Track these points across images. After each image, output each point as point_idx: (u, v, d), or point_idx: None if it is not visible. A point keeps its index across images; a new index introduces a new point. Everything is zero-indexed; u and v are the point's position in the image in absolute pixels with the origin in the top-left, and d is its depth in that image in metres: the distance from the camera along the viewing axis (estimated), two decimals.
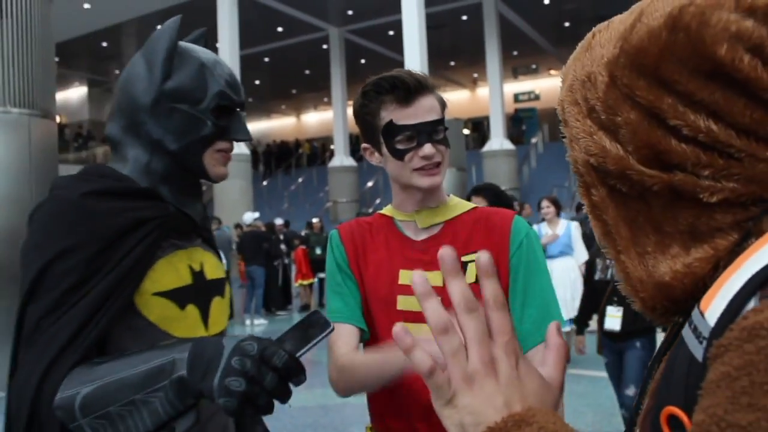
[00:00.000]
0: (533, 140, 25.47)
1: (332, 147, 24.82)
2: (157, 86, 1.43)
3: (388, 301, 1.59)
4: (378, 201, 23.48)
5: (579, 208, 12.10)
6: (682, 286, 0.67)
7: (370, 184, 24.22)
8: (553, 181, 20.40)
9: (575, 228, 7.34)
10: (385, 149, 1.60)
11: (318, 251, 13.39)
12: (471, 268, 1.58)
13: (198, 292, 1.49)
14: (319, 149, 31.95)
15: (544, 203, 7.34)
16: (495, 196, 4.06)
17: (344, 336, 1.58)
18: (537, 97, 30.81)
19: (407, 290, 1.58)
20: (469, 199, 3.95)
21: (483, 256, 0.66)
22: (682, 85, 0.66)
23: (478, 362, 0.61)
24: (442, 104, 1.61)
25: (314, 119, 36.88)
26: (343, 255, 1.67)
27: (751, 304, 0.54)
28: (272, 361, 1.10)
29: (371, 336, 1.63)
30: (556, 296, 1.64)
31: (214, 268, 1.59)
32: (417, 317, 1.56)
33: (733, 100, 0.64)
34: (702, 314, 0.60)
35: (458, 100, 31.82)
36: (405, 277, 1.60)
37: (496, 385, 0.60)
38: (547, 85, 30.97)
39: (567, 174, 21.48)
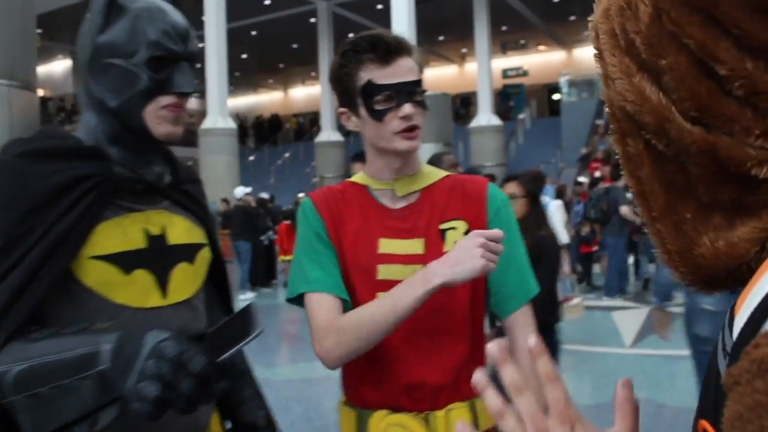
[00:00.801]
0: (521, 116, 25.45)
1: (320, 122, 24.72)
2: (93, 42, 1.38)
3: (368, 271, 1.57)
4: None
5: (560, 192, 11.87)
6: (724, 266, 0.59)
7: None
8: (540, 157, 20.41)
9: (556, 208, 7.29)
10: (363, 111, 1.55)
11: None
12: (450, 235, 1.59)
13: (154, 257, 1.41)
14: (306, 124, 31.82)
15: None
16: (531, 181, 4.10)
17: (326, 307, 1.53)
18: (525, 73, 30.73)
19: (387, 259, 1.57)
20: (502, 186, 3.93)
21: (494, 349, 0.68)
22: (743, 26, 0.55)
23: None
24: (420, 67, 1.59)
25: (302, 94, 36.65)
26: (320, 223, 1.63)
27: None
28: (189, 367, 1.04)
29: (352, 306, 1.58)
30: (529, 260, 1.68)
31: (183, 232, 1.50)
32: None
33: None
34: (732, 319, 0.53)
35: (446, 75, 31.69)
36: (385, 246, 1.58)
37: None
38: (535, 61, 30.87)
39: (554, 150, 21.53)
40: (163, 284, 1.42)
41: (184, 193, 1.56)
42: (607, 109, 0.69)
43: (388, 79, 1.52)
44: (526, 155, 21.90)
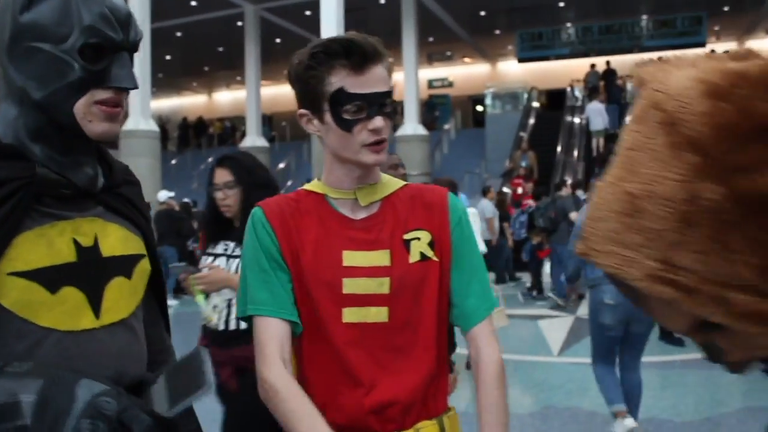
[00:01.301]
0: (446, 126, 25.68)
1: (243, 127, 24.37)
2: (15, 20, 1.18)
3: (333, 285, 1.49)
4: (290, 183, 23.19)
5: (485, 191, 12.11)
6: None
7: (282, 165, 23.94)
8: (464, 167, 20.64)
9: (471, 215, 7.36)
10: (329, 118, 1.48)
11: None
12: (414, 246, 1.54)
13: (84, 272, 1.23)
14: (230, 129, 31.32)
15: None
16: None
17: (271, 334, 1.47)
18: (451, 84, 31.06)
19: (353, 272, 1.50)
20: None
21: None
22: None
23: None
24: (390, 74, 1.52)
25: (226, 98, 36.04)
26: (271, 238, 1.53)
27: None
28: (132, 427, 0.94)
29: (316, 326, 1.50)
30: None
31: (118, 242, 1.32)
32: (364, 300, 1.49)
33: None
34: None
35: None
36: (349, 258, 1.51)
37: None
38: (461, 73, 31.25)
39: (479, 161, 21.80)
40: (95, 303, 1.24)
41: (120, 197, 1.38)
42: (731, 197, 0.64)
43: (361, 88, 1.44)
44: (451, 165, 22.09)
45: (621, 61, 24.24)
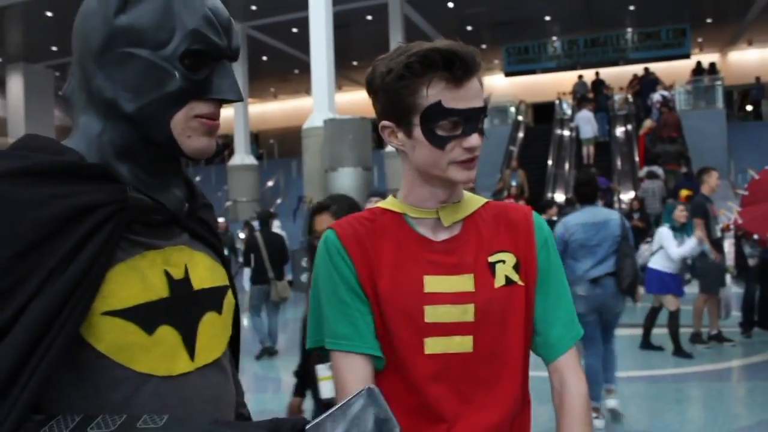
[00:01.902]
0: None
1: (233, 145, 24.24)
2: (108, 23, 1.05)
3: (413, 314, 1.36)
4: (279, 201, 23.07)
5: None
6: None
7: (270, 183, 23.80)
8: None
9: None
10: (418, 133, 1.35)
11: (225, 252, 12.93)
12: (499, 269, 1.42)
13: (178, 308, 1.09)
14: (221, 146, 31.16)
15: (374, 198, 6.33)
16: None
17: (357, 376, 1.36)
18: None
19: (435, 299, 1.37)
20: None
21: None
22: None
23: None
24: (483, 88, 1.40)
25: None
26: (349, 266, 1.40)
27: None
28: None
29: (393, 358, 1.38)
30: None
31: (207, 272, 1.18)
32: (448, 329, 1.37)
33: None
34: None
35: (361, 100, 31.71)
36: (431, 284, 1.38)
37: None
38: None
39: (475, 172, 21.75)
40: (190, 343, 1.10)
41: (201, 222, 1.24)
42: None
43: (458, 103, 1.31)
44: None
45: (607, 73, 24.38)
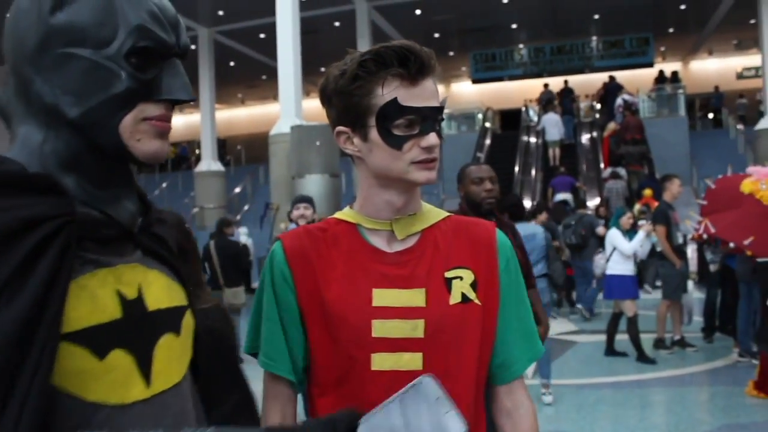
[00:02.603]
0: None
1: (198, 151, 24.05)
2: (43, 22, 0.97)
3: (360, 328, 1.32)
4: (246, 207, 22.92)
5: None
6: None
7: (237, 189, 23.64)
8: (422, 188, 20.38)
9: None
10: (374, 134, 1.31)
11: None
12: (456, 285, 1.37)
13: (132, 331, 1.00)
14: (189, 153, 30.88)
15: (302, 206, 6.16)
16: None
17: (275, 390, 1.41)
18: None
19: (384, 313, 1.32)
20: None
21: None
22: None
23: None
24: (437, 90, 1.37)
25: (180, 122, 35.53)
26: (290, 283, 1.38)
27: None
28: None
29: (339, 373, 1.34)
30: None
31: (163, 292, 1.09)
32: (397, 345, 1.31)
33: None
34: None
35: None
36: (380, 297, 1.33)
37: None
38: None
39: (437, 181, 21.82)
40: (145, 367, 1.02)
41: (156, 237, 1.14)
42: None
43: (415, 101, 1.29)
44: None
45: (573, 81, 24.66)
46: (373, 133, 1.32)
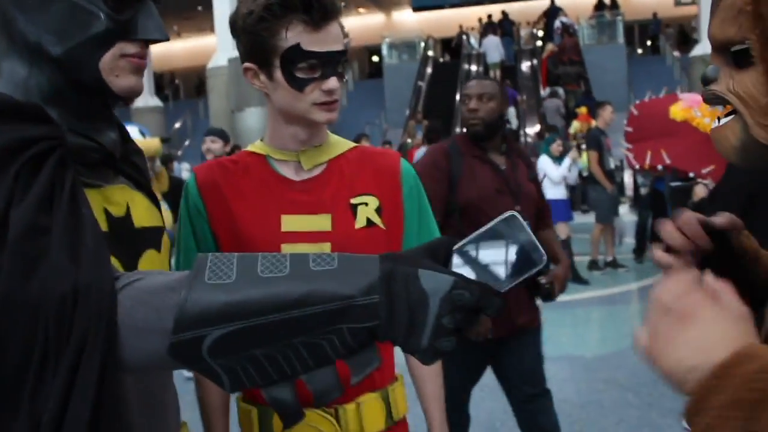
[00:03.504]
0: (344, 78, 25.58)
1: None
2: None
3: (271, 252, 1.42)
4: (187, 142, 22.57)
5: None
6: None
7: (177, 125, 23.20)
8: (364, 119, 20.60)
9: None
10: (279, 75, 1.39)
11: None
12: (361, 211, 1.47)
13: (118, 243, 1.09)
14: None
15: (209, 139, 5.95)
16: None
17: None
18: (346, 35, 30.79)
19: (292, 237, 1.43)
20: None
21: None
22: None
23: None
24: (344, 34, 1.45)
25: None
26: (202, 213, 1.47)
27: None
28: (486, 312, 0.82)
29: None
30: None
31: (145, 213, 1.20)
32: None
33: None
34: None
35: None
36: (288, 223, 1.44)
37: None
38: (355, 24, 30.93)
39: (378, 111, 21.80)
40: None
41: (135, 166, 1.24)
42: (764, 67, 0.72)
43: (317, 46, 1.36)
44: (351, 117, 21.95)
45: (514, 8, 24.64)
46: (278, 74, 1.39)
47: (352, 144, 1.58)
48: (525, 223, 0.84)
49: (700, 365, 0.64)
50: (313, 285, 0.78)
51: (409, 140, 15.72)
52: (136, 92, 1.12)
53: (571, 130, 14.08)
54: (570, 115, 15.85)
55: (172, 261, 1.46)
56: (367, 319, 0.79)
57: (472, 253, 0.84)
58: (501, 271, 0.83)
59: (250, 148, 1.55)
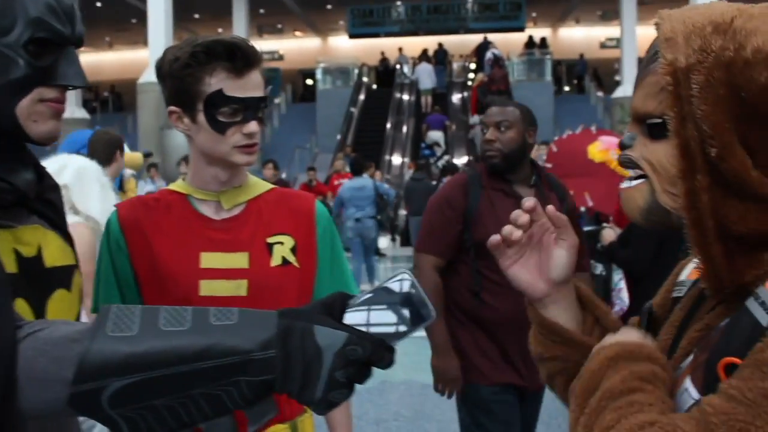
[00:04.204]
0: (276, 100, 25.47)
1: None
2: None
3: (189, 288, 1.48)
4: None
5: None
6: (757, 282, 0.79)
7: None
8: (295, 142, 20.58)
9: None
10: (201, 118, 1.47)
11: None
12: (277, 250, 1.55)
13: (27, 284, 1.13)
14: None
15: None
16: None
17: None
18: (281, 58, 30.79)
19: (210, 274, 1.50)
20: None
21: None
22: None
23: None
24: (265, 81, 1.54)
25: None
26: (123, 251, 1.53)
27: None
28: (377, 365, 0.87)
29: None
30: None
31: (57, 252, 1.23)
32: (222, 303, 1.41)
33: None
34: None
35: None
36: (207, 260, 1.51)
37: None
38: (291, 46, 31.02)
39: (309, 135, 21.81)
40: (39, 317, 1.14)
41: (49, 204, 1.27)
42: (676, 141, 0.79)
43: (239, 92, 1.45)
44: (282, 140, 21.96)
45: (448, 41, 25.16)
46: (201, 117, 1.47)
47: (270, 185, 1.67)
48: (416, 281, 0.91)
49: None
50: (213, 339, 0.82)
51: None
52: (54, 137, 1.16)
53: None
54: None
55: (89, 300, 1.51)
56: (264, 373, 0.82)
57: (366, 309, 0.90)
58: (392, 327, 0.89)
59: (172, 186, 1.62)
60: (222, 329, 0.84)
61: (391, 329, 0.88)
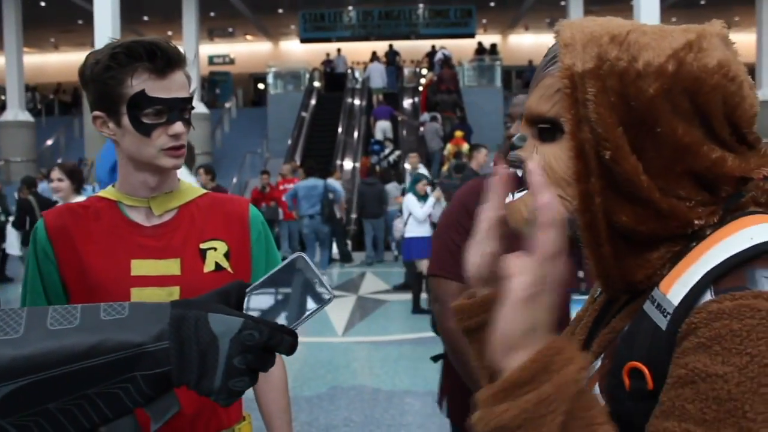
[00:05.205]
0: (227, 105, 25.24)
1: (3, 98, 22.29)
2: None
3: (119, 296, 1.44)
4: (59, 161, 21.61)
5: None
6: (647, 281, 0.82)
7: (49, 142, 22.17)
8: (246, 147, 20.43)
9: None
10: (126, 121, 1.43)
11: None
12: (210, 255, 1.53)
13: None
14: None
15: (56, 174, 5.24)
16: None
17: None
18: (232, 62, 30.56)
19: (142, 281, 1.47)
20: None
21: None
22: (722, 120, 0.80)
23: None
24: (190, 82, 1.51)
25: None
26: (51, 260, 1.49)
27: (708, 295, 0.73)
28: (277, 350, 0.86)
29: None
30: None
31: None
32: None
33: None
34: (664, 294, 0.77)
35: None
36: (138, 267, 1.48)
37: None
38: (242, 50, 30.80)
39: (260, 140, 21.66)
40: None
41: None
42: (572, 144, 0.81)
43: (162, 92, 1.42)
44: (232, 144, 21.78)
45: (399, 46, 25.26)
46: (125, 120, 1.44)
47: (203, 191, 1.64)
48: (311, 263, 0.91)
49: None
50: (104, 334, 0.79)
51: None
52: None
53: (445, 152, 15.24)
54: (447, 139, 16.66)
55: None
56: (159, 365, 0.80)
57: (263, 294, 0.90)
58: (291, 310, 0.89)
59: (101, 193, 1.58)
60: (112, 324, 0.81)
61: (291, 312, 0.88)
